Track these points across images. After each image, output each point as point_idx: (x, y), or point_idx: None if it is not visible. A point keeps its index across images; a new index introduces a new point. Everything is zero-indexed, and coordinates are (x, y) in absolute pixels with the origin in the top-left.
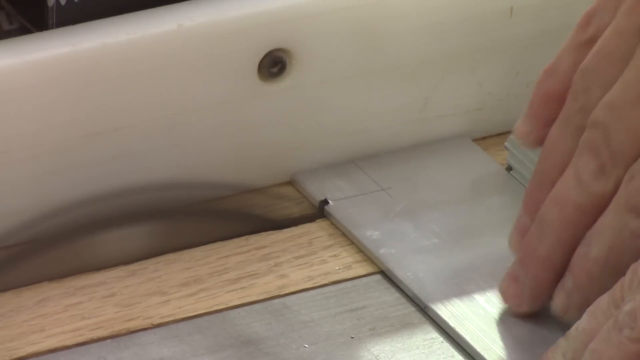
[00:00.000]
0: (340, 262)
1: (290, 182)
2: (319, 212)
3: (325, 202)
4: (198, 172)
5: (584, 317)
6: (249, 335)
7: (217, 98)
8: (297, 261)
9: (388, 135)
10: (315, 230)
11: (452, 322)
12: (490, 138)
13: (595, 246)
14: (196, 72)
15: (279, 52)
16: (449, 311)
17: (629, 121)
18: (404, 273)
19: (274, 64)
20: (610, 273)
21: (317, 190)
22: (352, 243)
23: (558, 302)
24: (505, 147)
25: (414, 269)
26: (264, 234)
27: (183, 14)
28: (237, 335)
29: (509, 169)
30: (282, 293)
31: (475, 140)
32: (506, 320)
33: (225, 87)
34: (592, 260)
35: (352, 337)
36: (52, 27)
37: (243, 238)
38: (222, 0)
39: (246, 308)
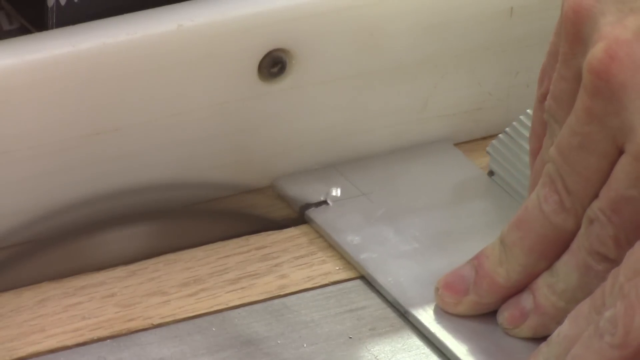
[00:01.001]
0: (340, 262)
1: (270, 187)
2: (300, 217)
3: (307, 206)
4: (198, 172)
5: (566, 322)
6: (249, 335)
7: (217, 98)
8: (297, 261)
9: (388, 135)
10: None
11: (432, 327)
12: (490, 138)
13: (563, 282)
14: (196, 72)
15: (279, 52)
16: (430, 316)
17: (577, 165)
18: (385, 278)
19: (274, 64)
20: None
21: (297, 195)
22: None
23: (509, 316)
24: (487, 152)
25: (394, 274)
26: (264, 234)
27: (183, 14)
28: (237, 336)
29: (491, 174)
30: (282, 293)
31: (475, 140)
32: (487, 326)
33: (225, 87)
34: (559, 293)
35: (351, 338)
36: (51, 28)
37: (243, 238)
38: (222, 1)
39: (246, 308)
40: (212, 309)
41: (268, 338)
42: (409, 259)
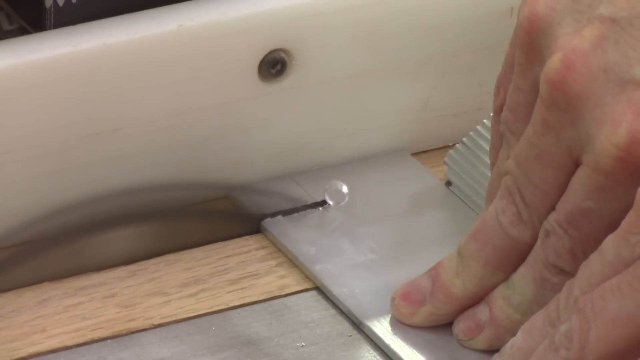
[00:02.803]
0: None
1: (227, 198)
2: (256, 228)
3: (265, 216)
4: (198, 172)
5: (519, 334)
6: (249, 335)
7: (217, 98)
8: (297, 261)
9: (389, 135)
10: None
11: (387, 339)
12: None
13: (519, 294)
14: (196, 72)
15: (279, 52)
16: (384, 328)
17: (534, 177)
18: (340, 289)
19: (274, 64)
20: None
21: (254, 205)
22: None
23: (465, 328)
24: (445, 162)
25: (349, 285)
26: (264, 234)
27: (183, 14)
28: (237, 336)
29: (448, 184)
30: (282, 293)
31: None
32: (443, 337)
33: (225, 87)
34: (515, 305)
35: (351, 337)
36: (49, 28)
37: (243, 238)
38: (222, 1)
39: (247, 308)
40: (212, 309)
41: (268, 338)
42: (364, 270)
